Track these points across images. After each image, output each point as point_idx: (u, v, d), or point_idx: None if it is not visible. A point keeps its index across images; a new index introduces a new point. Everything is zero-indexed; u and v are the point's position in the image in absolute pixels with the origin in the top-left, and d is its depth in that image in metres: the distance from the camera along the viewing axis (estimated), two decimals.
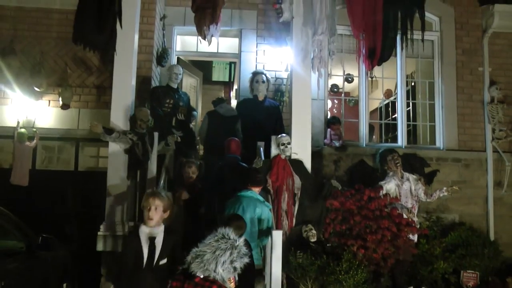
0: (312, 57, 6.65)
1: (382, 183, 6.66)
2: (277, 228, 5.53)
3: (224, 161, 6.37)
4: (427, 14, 8.13)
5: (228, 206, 5.55)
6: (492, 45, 8.54)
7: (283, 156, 6.37)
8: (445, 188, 6.76)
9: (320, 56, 6.61)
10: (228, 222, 4.59)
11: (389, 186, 6.64)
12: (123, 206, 6.32)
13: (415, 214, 6.72)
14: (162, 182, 6.14)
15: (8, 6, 8.16)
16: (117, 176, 6.36)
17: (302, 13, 6.87)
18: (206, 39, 6.79)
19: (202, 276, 3.18)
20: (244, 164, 6.34)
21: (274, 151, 6.51)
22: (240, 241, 3.30)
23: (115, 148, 6.40)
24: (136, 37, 6.91)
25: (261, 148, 6.66)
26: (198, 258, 3.21)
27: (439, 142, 8.33)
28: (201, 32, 6.77)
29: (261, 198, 5.59)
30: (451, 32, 8.58)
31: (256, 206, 5.44)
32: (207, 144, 7.28)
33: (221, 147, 6.56)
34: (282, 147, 6.37)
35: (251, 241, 5.09)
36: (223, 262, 3.18)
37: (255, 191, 5.59)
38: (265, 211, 5.49)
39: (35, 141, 7.66)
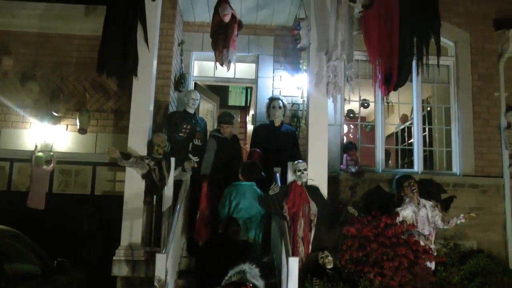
0: (327, 82, 6.68)
1: (398, 209, 6.60)
2: (293, 255, 5.49)
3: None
4: (442, 39, 8.15)
5: (225, 193, 6.39)
6: (508, 69, 8.50)
7: (299, 182, 6.36)
8: (462, 215, 6.69)
9: (335, 81, 6.64)
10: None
11: (406, 212, 6.59)
12: (139, 231, 6.34)
13: (432, 241, 6.65)
14: (178, 207, 6.15)
15: (30, 33, 8.32)
16: (133, 200, 6.39)
17: (317, 39, 6.92)
18: (224, 65, 6.87)
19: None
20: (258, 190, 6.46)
21: (290, 177, 6.50)
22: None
23: (132, 172, 6.44)
24: (155, 62, 7.00)
25: (278, 174, 6.66)
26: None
27: (456, 168, 8.26)
28: (218, 57, 6.87)
29: (258, 190, 6.39)
30: (467, 57, 8.56)
31: (253, 192, 6.35)
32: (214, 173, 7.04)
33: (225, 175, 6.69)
34: (298, 173, 6.36)
35: (252, 222, 6.28)
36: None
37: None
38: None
39: (52, 164, 7.75)
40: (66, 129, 8.10)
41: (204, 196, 6.57)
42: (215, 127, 7.94)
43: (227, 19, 7.04)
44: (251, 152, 7.29)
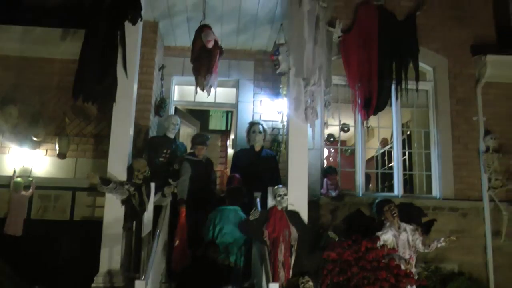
0: (305, 108, 6.72)
1: (379, 233, 6.61)
2: (273, 280, 5.46)
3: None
4: (421, 64, 8.33)
5: (209, 217, 6.39)
6: (486, 94, 8.59)
7: (279, 207, 6.36)
8: (442, 238, 6.71)
9: (312, 106, 6.69)
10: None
11: (387, 236, 6.60)
12: (119, 257, 6.26)
13: (413, 265, 6.64)
14: (158, 233, 6.10)
15: (10, 56, 8.24)
16: (113, 226, 6.33)
17: (296, 64, 6.94)
18: (204, 90, 6.89)
19: None
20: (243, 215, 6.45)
21: (271, 202, 6.50)
22: None
23: (111, 198, 6.39)
24: (135, 87, 7.01)
25: (258, 199, 6.66)
26: None
27: (436, 191, 8.30)
28: (199, 83, 6.88)
29: (243, 215, 6.36)
30: (445, 82, 8.65)
31: (238, 217, 6.33)
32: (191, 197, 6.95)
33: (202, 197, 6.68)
34: (278, 198, 6.36)
35: (234, 246, 6.24)
36: None
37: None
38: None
39: (31, 190, 7.63)
40: (46, 154, 7.99)
41: (182, 223, 6.52)
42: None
43: (210, 45, 7.03)
44: (230, 177, 7.28)
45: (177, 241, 6.47)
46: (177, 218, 6.60)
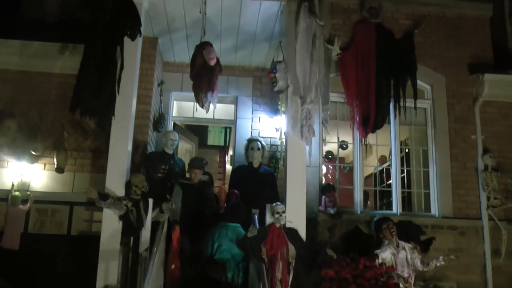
0: (301, 125, 6.72)
1: (377, 251, 6.59)
2: None
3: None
4: (419, 82, 8.31)
5: (208, 233, 6.36)
6: (484, 113, 8.60)
7: (277, 225, 6.34)
8: (441, 257, 6.70)
9: (308, 124, 6.69)
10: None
11: (385, 255, 6.58)
12: (115, 273, 6.22)
13: (412, 283, 6.62)
14: (155, 249, 6.06)
15: (10, 70, 8.26)
16: (110, 241, 6.30)
17: (294, 81, 6.96)
18: (204, 107, 6.89)
19: None
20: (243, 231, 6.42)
21: (269, 219, 6.48)
22: None
23: (109, 213, 6.37)
24: (134, 102, 7.02)
25: (256, 216, 6.64)
26: None
27: (434, 210, 8.26)
28: (199, 99, 6.87)
29: (242, 232, 6.32)
30: (443, 100, 8.65)
31: (237, 233, 6.29)
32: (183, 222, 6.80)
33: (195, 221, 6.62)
34: (276, 216, 6.35)
35: (231, 262, 6.22)
36: None
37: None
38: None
39: (28, 204, 7.60)
40: (44, 168, 7.99)
41: (175, 247, 6.42)
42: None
43: (212, 62, 6.99)
44: (229, 193, 7.27)
45: (173, 266, 6.38)
46: (170, 241, 6.51)
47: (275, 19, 7.76)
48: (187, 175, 7.34)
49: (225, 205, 7.30)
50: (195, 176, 7.07)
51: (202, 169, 7.19)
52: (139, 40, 7.07)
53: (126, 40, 6.83)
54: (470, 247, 8.02)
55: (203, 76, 6.93)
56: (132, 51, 6.95)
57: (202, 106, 6.95)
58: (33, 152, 7.83)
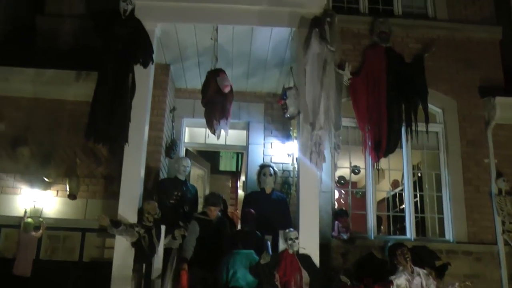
0: (310, 152, 6.71)
1: (392, 278, 6.49)
2: None
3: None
4: (430, 106, 8.33)
5: (223, 261, 6.27)
6: (496, 136, 8.56)
7: (291, 251, 6.29)
8: (457, 284, 6.58)
9: (318, 151, 6.67)
10: None
11: (400, 281, 6.47)
12: None
13: None
14: (167, 276, 6.03)
15: (24, 97, 8.34)
16: (122, 268, 6.28)
17: (304, 107, 6.95)
18: (216, 134, 6.91)
19: None
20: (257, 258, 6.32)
21: (282, 245, 6.44)
22: None
23: (121, 240, 6.36)
24: (147, 128, 7.05)
25: (268, 242, 6.59)
26: None
27: (449, 235, 8.17)
28: (211, 126, 6.89)
29: (255, 258, 6.21)
30: (455, 123, 8.64)
31: (249, 259, 6.20)
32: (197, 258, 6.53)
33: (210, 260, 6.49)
34: (290, 242, 6.30)
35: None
36: None
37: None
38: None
39: (40, 231, 7.61)
40: (56, 195, 8.01)
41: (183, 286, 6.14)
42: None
43: (227, 90, 7.03)
44: (245, 213, 6.95)
45: None
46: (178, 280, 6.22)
47: (285, 45, 7.81)
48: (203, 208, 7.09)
49: (241, 224, 7.18)
50: (211, 213, 6.72)
51: (218, 206, 6.85)
52: (151, 67, 7.14)
53: (139, 67, 6.91)
54: (486, 273, 7.90)
55: (216, 103, 6.95)
56: (144, 78, 7.02)
57: (213, 133, 6.97)
58: (46, 179, 7.87)
